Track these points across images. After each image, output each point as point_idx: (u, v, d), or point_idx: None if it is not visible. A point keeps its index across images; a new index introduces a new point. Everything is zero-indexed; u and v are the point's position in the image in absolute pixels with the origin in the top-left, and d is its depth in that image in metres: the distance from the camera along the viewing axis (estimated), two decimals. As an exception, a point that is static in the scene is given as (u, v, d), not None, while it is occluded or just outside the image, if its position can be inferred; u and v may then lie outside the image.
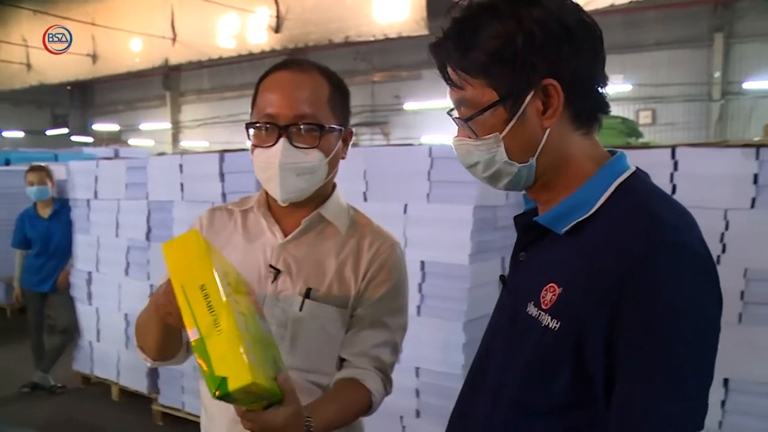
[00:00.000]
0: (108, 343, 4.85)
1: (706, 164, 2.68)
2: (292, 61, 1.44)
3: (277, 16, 17.13)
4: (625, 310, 0.87)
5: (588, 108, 1.02)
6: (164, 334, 1.32)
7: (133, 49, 19.57)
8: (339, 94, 1.43)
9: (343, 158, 1.47)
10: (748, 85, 13.10)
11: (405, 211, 3.18)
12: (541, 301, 0.98)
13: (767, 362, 2.53)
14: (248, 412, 1.10)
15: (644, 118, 13.70)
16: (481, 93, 1.00)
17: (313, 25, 16.60)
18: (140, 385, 4.67)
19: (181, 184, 4.02)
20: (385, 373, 1.46)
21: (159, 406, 4.44)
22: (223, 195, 3.76)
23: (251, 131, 1.40)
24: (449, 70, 1.03)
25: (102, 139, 21.18)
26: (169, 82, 21.65)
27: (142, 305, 1.37)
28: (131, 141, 21.84)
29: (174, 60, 19.57)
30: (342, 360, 1.45)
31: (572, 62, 0.97)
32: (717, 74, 13.30)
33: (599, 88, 1.02)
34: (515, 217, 1.16)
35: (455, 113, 1.07)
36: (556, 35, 0.96)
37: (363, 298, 1.44)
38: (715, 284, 0.91)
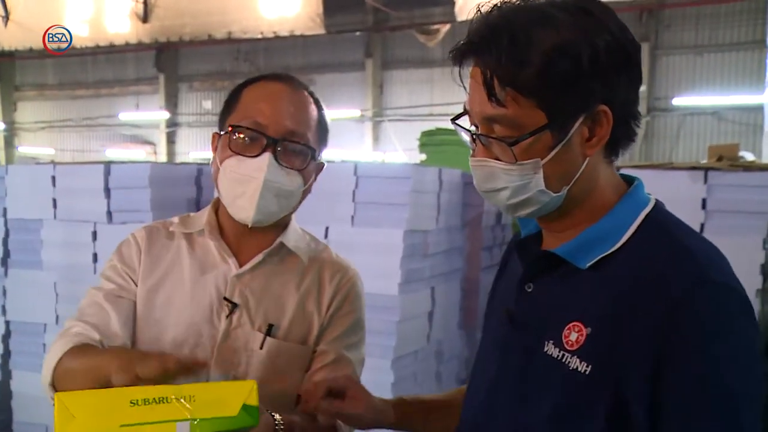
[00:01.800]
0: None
1: (650, 187, 2.95)
2: (283, 75, 1.53)
3: (145, 3, 16.81)
4: (671, 352, 0.95)
5: (624, 137, 1.09)
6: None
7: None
8: (324, 124, 1.55)
9: (308, 192, 1.54)
10: (678, 101, 13.97)
11: (326, 235, 3.32)
12: (564, 341, 1.04)
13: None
14: None
15: (566, 133, 14.41)
16: (528, 114, 1.02)
17: (189, 17, 16.38)
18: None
19: (54, 200, 3.96)
20: None
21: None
22: (109, 214, 3.75)
23: (230, 138, 1.44)
24: (495, 84, 1.02)
25: None
26: (-2, 72, 20.65)
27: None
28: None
29: (6, 44, 18.57)
30: (299, 396, 1.52)
31: (625, 89, 1.05)
32: (642, 88, 14.18)
33: (636, 117, 1.10)
34: (516, 244, 1.23)
35: (464, 122, 1.10)
36: (617, 57, 1.02)
37: (326, 333, 1.55)
38: (755, 320, 1.01)
